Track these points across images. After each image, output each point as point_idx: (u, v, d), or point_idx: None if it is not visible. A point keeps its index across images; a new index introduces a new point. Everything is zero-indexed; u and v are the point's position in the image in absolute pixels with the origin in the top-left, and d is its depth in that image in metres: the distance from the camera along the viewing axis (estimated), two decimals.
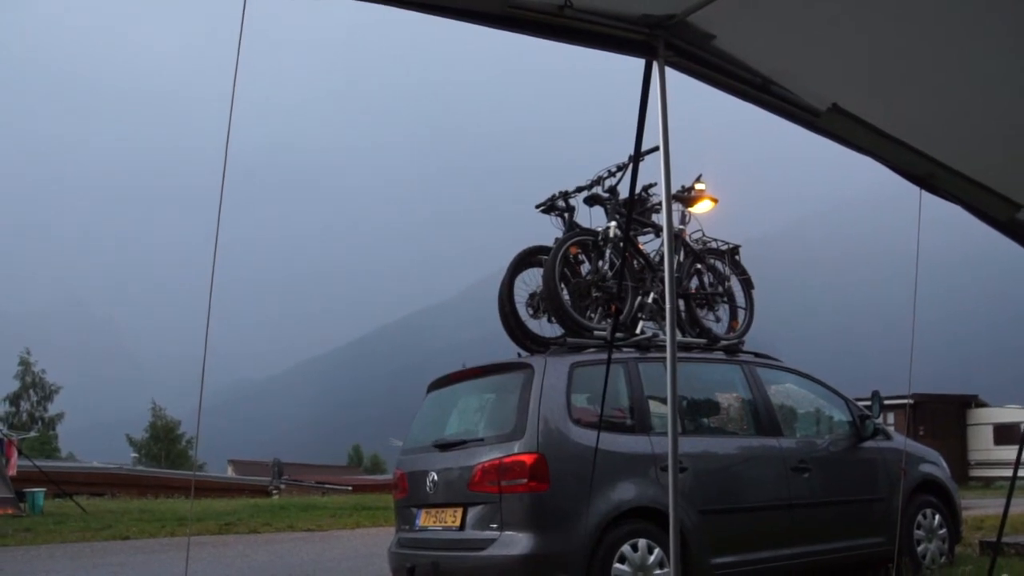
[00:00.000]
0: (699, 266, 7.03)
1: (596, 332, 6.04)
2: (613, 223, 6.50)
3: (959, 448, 24.22)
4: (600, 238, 6.45)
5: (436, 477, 5.59)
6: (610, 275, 6.32)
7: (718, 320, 7.00)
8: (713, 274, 7.14)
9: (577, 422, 5.31)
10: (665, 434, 4.27)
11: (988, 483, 23.51)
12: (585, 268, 6.46)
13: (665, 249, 3.96)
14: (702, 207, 7.12)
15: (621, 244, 6.27)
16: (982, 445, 24.88)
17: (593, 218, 6.69)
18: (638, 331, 6.30)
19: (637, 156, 3.74)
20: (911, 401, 21.60)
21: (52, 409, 43.37)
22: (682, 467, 5.21)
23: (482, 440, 5.51)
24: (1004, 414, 25.16)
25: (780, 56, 3.09)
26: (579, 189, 6.77)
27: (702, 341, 6.57)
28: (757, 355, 6.72)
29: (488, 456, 5.26)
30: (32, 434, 34.16)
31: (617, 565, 5.07)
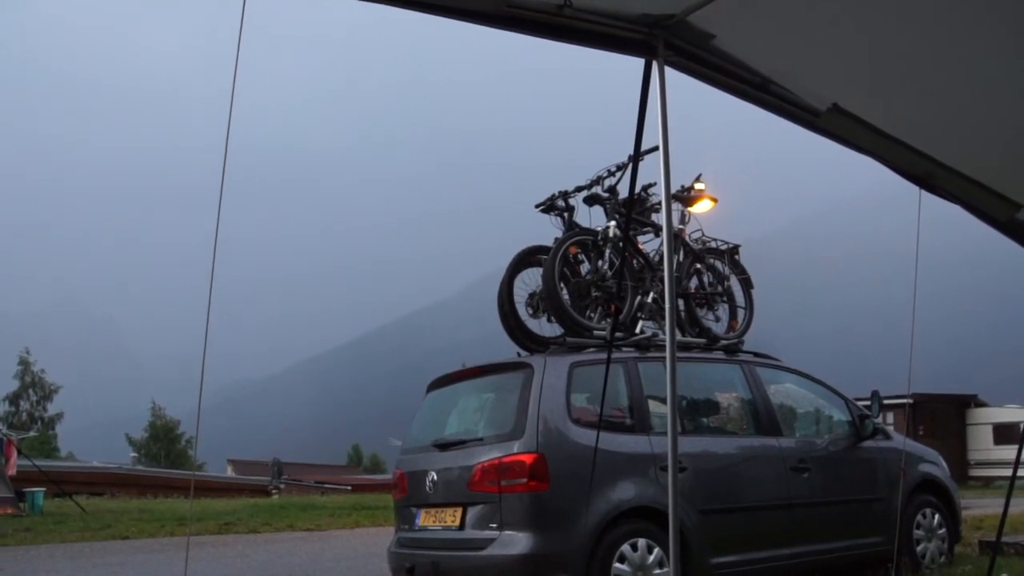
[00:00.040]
0: (699, 266, 7.04)
1: (596, 332, 6.04)
2: (613, 223, 6.51)
3: (959, 448, 24.23)
4: (600, 238, 6.45)
5: (436, 477, 5.59)
6: (610, 275, 6.32)
7: (718, 320, 7.01)
8: (713, 274, 7.14)
9: (577, 422, 5.32)
10: (665, 434, 4.27)
11: (987, 483, 23.53)
12: (585, 268, 6.47)
13: (665, 249, 3.96)
14: (702, 207, 7.13)
15: (620, 244, 6.28)
16: (981, 445, 24.89)
17: (593, 218, 6.68)
18: (638, 331, 6.30)
19: (637, 156, 3.74)
20: (911, 401, 21.59)
21: (52, 409, 43.36)
22: (682, 467, 5.21)
23: (482, 440, 5.52)
24: (1004, 414, 25.18)
25: (780, 56, 3.08)
26: (579, 189, 6.77)
27: (702, 341, 6.58)
28: (757, 355, 6.73)
29: (488, 456, 5.26)
30: (32, 434, 34.12)
31: (617, 565, 5.07)
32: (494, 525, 5.12)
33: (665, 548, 5.07)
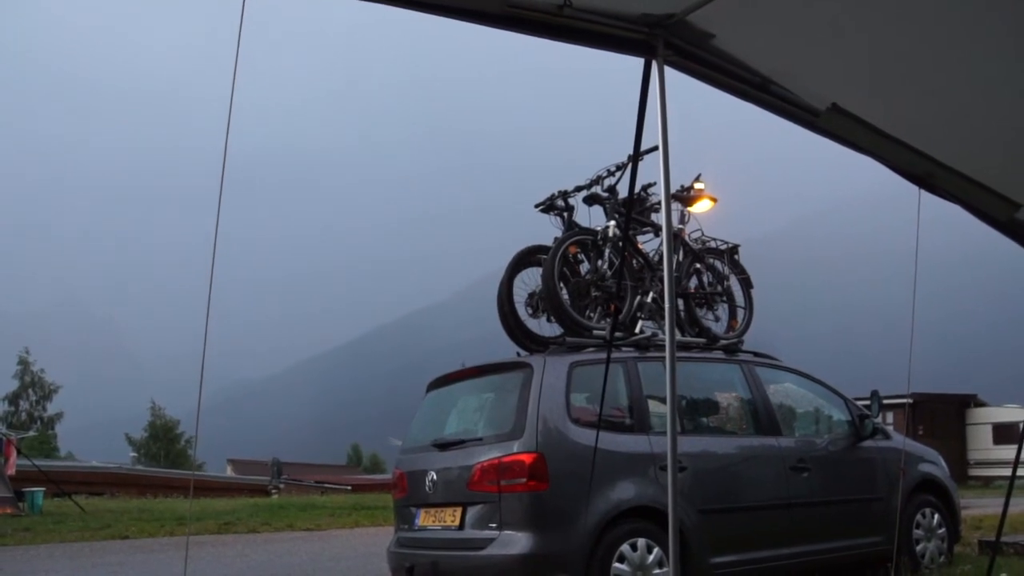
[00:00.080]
0: (698, 265, 7.04)
1: (595, 331, 6.04)
2: (612, 222, 6.51)
3: (958, 447, 24.25)
4: (599, 237, 6.45)
5: (435, 476, 5.59)
6: (609, 274, 6.33)
7: (717, 319, 7.01)
8: (712, 273, 7.15)
9: (576, 421, 5.32)
10: (664, 433, 4.27)
11: (987, 482, 23.55)
12: (584, 267, 6.47)
13: (664, 249, 3.96)
14: (701, 206, 7.13)
15: (620, 243, 6.28)
16: (981, 444, 24.92)
17: (592, 217, 6.68)
18: (637, 330, 6.30)
19: (636, 155, 3.74)
20: (910, 400, 21.60)
21: (51, 408, 43.35)
22: (681, 466, 5.21)
23: (481, 439, 5.52)
24: (1003, 413, 25.20)
25: (780, 56, 3.09)
26: (578, 188, 6.77)
27: (701, 340, 6.58)
28: (756, 354, 6.73)
29: (487, 455, 5.27)
30: (31, 433, 34.10)
31: (616, 564, 5.07)
32: (494, 525, 5.12)
33: (665, 548, 5.07)
